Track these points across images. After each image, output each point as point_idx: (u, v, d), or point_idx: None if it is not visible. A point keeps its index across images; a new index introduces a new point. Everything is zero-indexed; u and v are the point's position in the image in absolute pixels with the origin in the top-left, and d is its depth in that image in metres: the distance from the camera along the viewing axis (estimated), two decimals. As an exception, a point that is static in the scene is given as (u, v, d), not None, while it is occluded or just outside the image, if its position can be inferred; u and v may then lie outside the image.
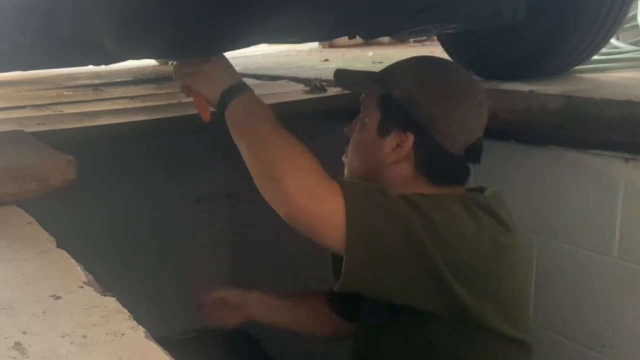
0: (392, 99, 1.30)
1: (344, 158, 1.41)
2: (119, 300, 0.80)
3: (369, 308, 1.40)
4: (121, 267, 2.41)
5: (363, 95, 1.38)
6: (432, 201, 1.22)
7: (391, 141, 1.30)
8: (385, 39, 3.72)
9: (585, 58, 1.98)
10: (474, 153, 1.32)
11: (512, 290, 1.28)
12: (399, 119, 1.29)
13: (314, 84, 2.15)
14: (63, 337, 0.71)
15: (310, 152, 1.22)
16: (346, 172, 1.39)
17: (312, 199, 1.17)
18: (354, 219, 1.15)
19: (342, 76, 1.44)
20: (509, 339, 1.25)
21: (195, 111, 1.38)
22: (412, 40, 3.72)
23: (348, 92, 2.11)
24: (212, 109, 1.35)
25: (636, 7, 2.49)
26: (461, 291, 1.17)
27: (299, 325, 1.65)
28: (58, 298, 0.81)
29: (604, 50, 2.07)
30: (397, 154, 1.30)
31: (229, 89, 1.28)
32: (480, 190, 1.35)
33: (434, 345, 1.25)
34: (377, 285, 1.20)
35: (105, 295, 0.81)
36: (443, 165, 1.31)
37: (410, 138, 1.28)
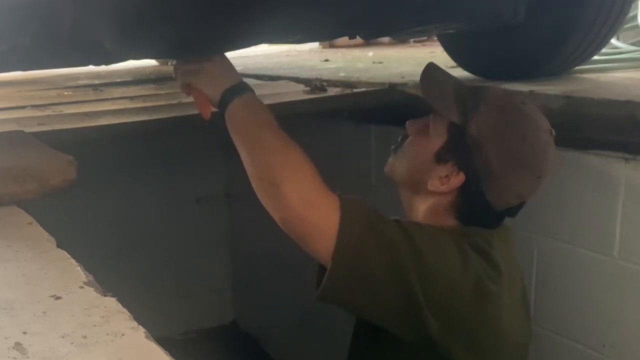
0: (464, 132, 1.25)
1: (393, 147, 1.36)
2: (119, 300, 0.80)
3: (356, 322, 1.40)
4: (121, 267, 2.41)
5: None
6: (425, 232, 1.21)
7: (442, 170, 1.26)
8: (385, 39, 3.72)
9: (585, 58, 1.98)
10: (511, 211, 1.30)
11: (494, 336, 1.25)
12: (460, 155, 1.25)
13: (314, 84, 2.15)
14: (63, 337, 0.71)
15: (309, 159, 1.22)
16: (389, 164, 1.36)
17: (310, 207, 1.17)
18: (345, 234, 1.14)
19: (431, 79, 1.35)
20: None
21: (195, 111, 1.38)
22: (412, 40, 3.72)
23: (349, 92, 2.12)
24: (213, 109, 1.35)
25: (636, 7, 2.49)
26: (432, 324, 1.16)
27: None
28: (58, 298, 0.81)
29: (604, 50, 2.07)
30: (440, 184, 1.26)
31: (231, 88, 1.28)
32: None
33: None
34: (353, 302, 1.21)
35: (105, 295, 0.81)
36: (478, 212, 1.28)
37: (461, 178, 1.25)
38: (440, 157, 1.26)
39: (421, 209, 1.31)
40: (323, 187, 1.20)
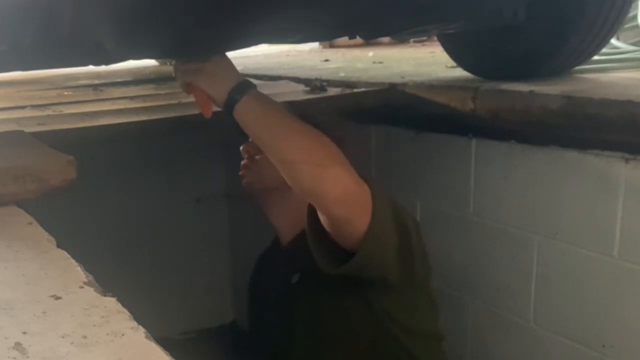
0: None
1: (243, 163, 1.60)
2: (119, 300, 0.80)
3: (305, 290, 1.51)
4: (121, 267, 2.41)
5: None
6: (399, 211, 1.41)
7: None
8: (385, 39, 3.73)
9: (585, 58, 1.98)
10: None
11: (427, 262, 1.50)
12: None
13: (314, 84, 2.15)
14: (63, 337, 0.71)
15: None
16: (255, 184, 1.59)
17: (359, 184, 1.25)
18: (378, 206, 1.26)
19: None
20: (430, 301, 1.52)
21: (195, 111, 1.38)
22: (412, 40, 3.72)
23: (349, 92, 2.12)
24: (214, 108, 1.35)
25: (636, 7, 2.49)
26: (418, 264, 1.38)
27: None
28: (58, 298, 0.81)
29: (604, 50, 2.07)
30: None
31: (237, 86, 1.28)
32: None
33: (373, 308, 1.41)
34: (374, 265, 1.33)
35: (105, 295, 0.81)
36: None
37: None
38: None
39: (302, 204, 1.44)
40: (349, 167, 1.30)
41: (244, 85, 1.29)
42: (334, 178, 1.21)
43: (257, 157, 1.55)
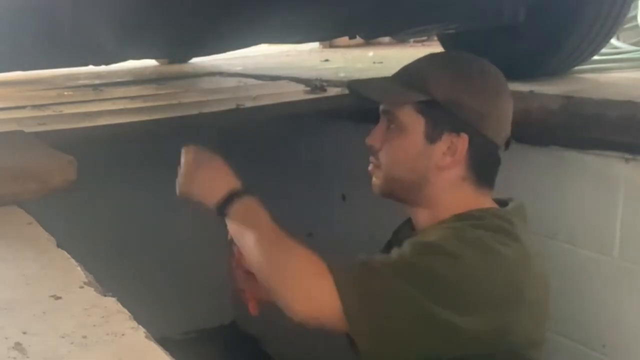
0: (435, 102, 1.27)
1: (370, 168, 1.38)
2: (119, 300, 0.80)
3: None
4: (121, 267, 2.41)
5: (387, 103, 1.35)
6: (436, 250, 1.18)
7: (442, 145, 1.27)
8: (385, 39, 3.72)
9: (585, 58, 1.98)
10: (508, 143, 1.33)
11: (536, 313, 1.25)
12: (448, 121, 1.27)
13: (314, 84, 2.15)
14: (63, 337, 0.71)
15: (299, 247, 1.22)
16: (379, 182, 1.36)
17: (307, 303, 1.19)
18: (352, 310, 1.15)
19: (363, 86, 1.42)
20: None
21: (195, 111, 1.39)
22: (412, 40, 3.73)
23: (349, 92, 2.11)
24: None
25: (636, 7, 2.49)
26: (483, 331, 1.16)
27: None
28: (58, 298, 0.81)
29: (604, 50, 2.07)
30: (450, 156, 1.27)
31: (218, 208, 1.35)
32: (504, 202, 1.34)
33: None
34: (398, 356, 1.20)
35: (105, 295, 0.81)
36: (492, 161, 1.32)
37: (465, 138, 1.26)
38: (433, 137, 1.28)
39: (444, 196, 1.29)
40: (313, 274, 1.19)
41: (226, 203, 1.33)
42: (282, 302, 1.20)
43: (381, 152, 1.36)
